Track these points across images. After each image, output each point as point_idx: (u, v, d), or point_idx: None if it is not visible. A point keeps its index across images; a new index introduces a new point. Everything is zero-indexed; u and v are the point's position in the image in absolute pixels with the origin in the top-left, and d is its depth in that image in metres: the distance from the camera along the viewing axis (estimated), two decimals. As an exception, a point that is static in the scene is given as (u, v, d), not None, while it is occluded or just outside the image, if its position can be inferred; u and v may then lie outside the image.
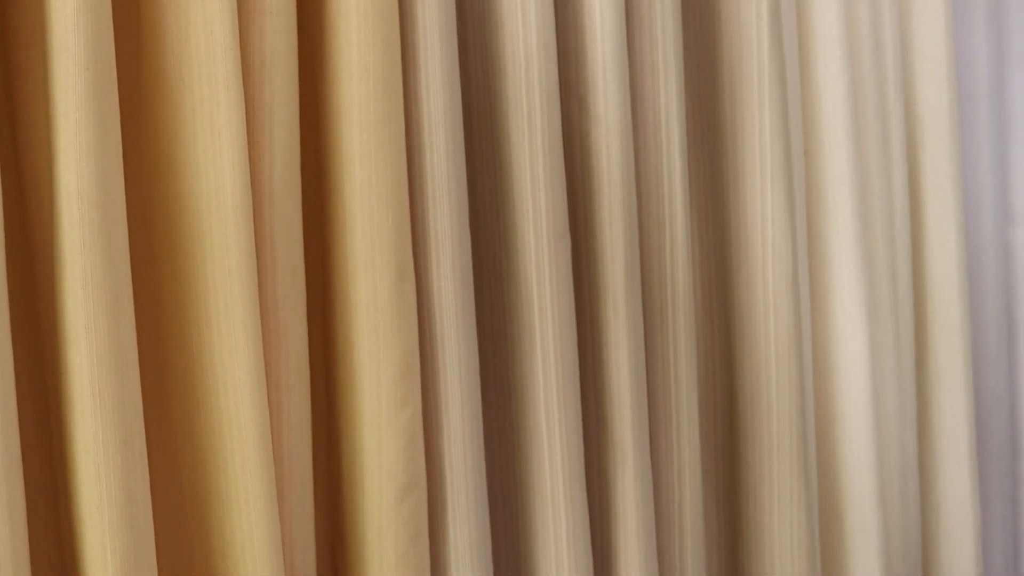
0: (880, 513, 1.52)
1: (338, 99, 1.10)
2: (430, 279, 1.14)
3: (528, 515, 1.22)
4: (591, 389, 1.27)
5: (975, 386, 1.71)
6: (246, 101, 1.03)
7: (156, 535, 1.00)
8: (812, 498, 1.43)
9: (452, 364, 1.14)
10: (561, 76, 1.24)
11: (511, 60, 1.20)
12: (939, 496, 1.67)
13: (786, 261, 1.40)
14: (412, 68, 1.14)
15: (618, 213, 1.26)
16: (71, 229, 0.92)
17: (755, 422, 1.40)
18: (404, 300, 1.10)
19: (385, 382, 1.09)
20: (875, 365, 1.54)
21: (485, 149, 1.23)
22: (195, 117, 1.00)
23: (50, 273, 0.96)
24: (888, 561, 1.54)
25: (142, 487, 0.96)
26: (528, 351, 1.21)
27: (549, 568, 1.21)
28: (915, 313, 1.65)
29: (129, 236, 0.96)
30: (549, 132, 1.20)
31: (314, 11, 1.11)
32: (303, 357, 1.09)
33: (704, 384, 1.42)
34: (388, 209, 1.10)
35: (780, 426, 1.40)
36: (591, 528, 1.25)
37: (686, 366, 1.35)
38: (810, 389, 1.50)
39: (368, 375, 1.10)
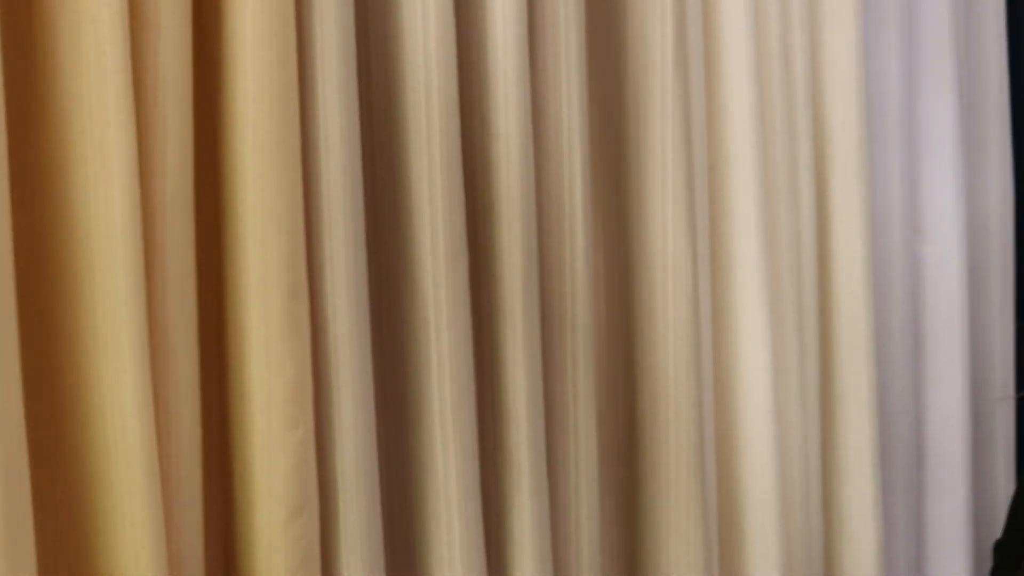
0: (780, 524, 1.53)
1: (233, 118, 1.09)
2: (324, 299, 1.14)
3: (422, 535, 1.22)
4: (488, 407, 1.28)
5: (880, 398, 1.73)
6: (138, 119, 1.02)
7: (39, 557, 0.99)
8: (710, 512, 1.45)
9: (345, 384, 1.14)
10: (462, 93, 1.24)
11: (411, 77, 1.20)
12: (842, 507, 1.69)
13: (686, 277, 1.41)
14: (309, 87, 1.13)
15: (517, 230, 1.26)
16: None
17: (653, 437, 1.42)
18: (297, 320, 1.10)
19: (276, 402, 1.09)
20: (778, 379, 1.56)
21: (383, 166, 1.22)
22: (84, 139, 0.99)
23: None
24: (788, 572, 1.56)
25: (23, 509, 0.95)
26: (424, 369, 1.21)
27: (446, 589, 1.22)
28: (821, 327, 1.67)
29: (16, 258, 0.95)
30: (448, 148, 1.20)
31: (209, 29, 1.10)
32: (193, 378, 1.08)
33: (603, 400, 1.42)
34: (282, 228, 1.09)
35: (678, 441, 1.41)
36: (487, 548, 1.25)
37: (584, 383, 1.35)
38: (709, 403, 1.51)
39: (259, 395, 1.09)
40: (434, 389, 1.21)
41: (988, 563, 1.63)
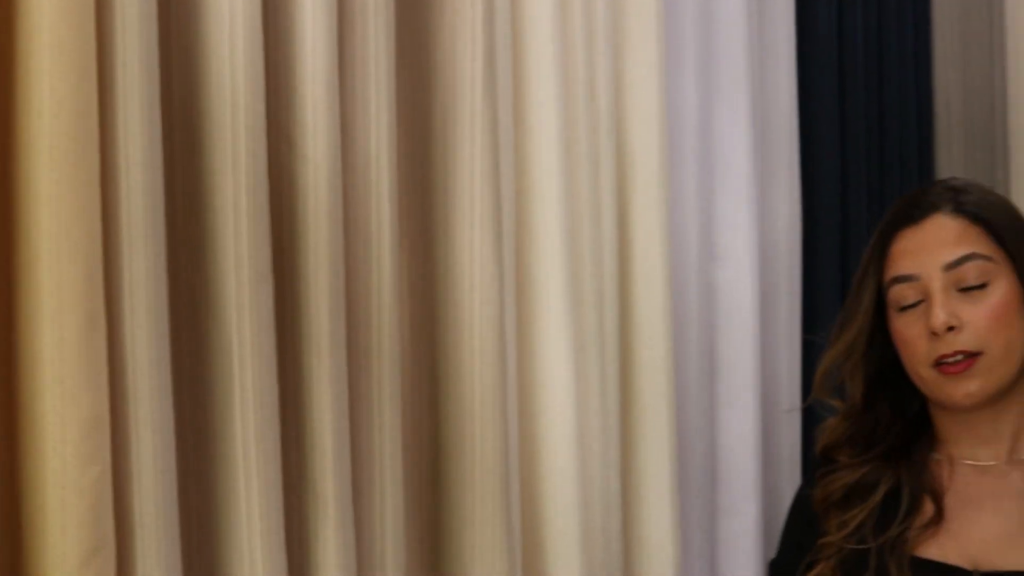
0: (583, 549, 1.54)
1: (28, 134, 1.03)
2: (122, 328, 1.08)
3: (225, 572, 1.18)
4: (292, 439, 1.24)
5: (676, 421, 1.76)
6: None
7: None
8: (514, 539, 1.44)
9: (144, 417, 1.09)
10: (270, 115, 1.20)
11: (217, 97, 1.15)
12: (641, 531, 1.71)
13: (493, 303, 1.40)
14: (109, 103, 1.08)
15: (324, 256, 1.23)
16: None
17: (459, 467, 1.40)
18: (93, 351, 1.04)
19: (71, 439, 1.03)
20: (580, 404, 1.56)
21: (186, 188, 1.18)
22: None
23: None
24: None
25: None
26: (226, 399, 1.17)
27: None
28: (621, 353, 1.69)
29: None
30: (255, 172, 1.16)
31: (3, 41, 1.04)
32: (-21, 412, 1.01)
33: (408, 428, 1.40)
34: (78, 253, 1.04)
35: (484, 471, 1.40)
36: (291, 582, 1.21)
37: (390, 413, 1.33)
38: (514, 430, 1.51)
39: (53, 431, 1.03)
40: (237, 420, 1.16)
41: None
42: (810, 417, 2.20)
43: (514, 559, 1.42)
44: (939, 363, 1.42)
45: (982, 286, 1.42)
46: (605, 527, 1.62)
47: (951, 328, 1.40)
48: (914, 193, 1.54)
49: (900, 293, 1.45)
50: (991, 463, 1.49)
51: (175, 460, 1.12)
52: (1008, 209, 1.50)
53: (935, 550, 1.44)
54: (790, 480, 2.10)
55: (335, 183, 1.23)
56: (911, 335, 1.44)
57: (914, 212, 1.47)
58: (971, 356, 1.41)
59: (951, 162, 2.69)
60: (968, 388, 1.41)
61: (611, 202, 1.64)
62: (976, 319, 1.41)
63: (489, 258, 1.39)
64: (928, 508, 1.46)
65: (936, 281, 1.42)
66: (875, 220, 2.38)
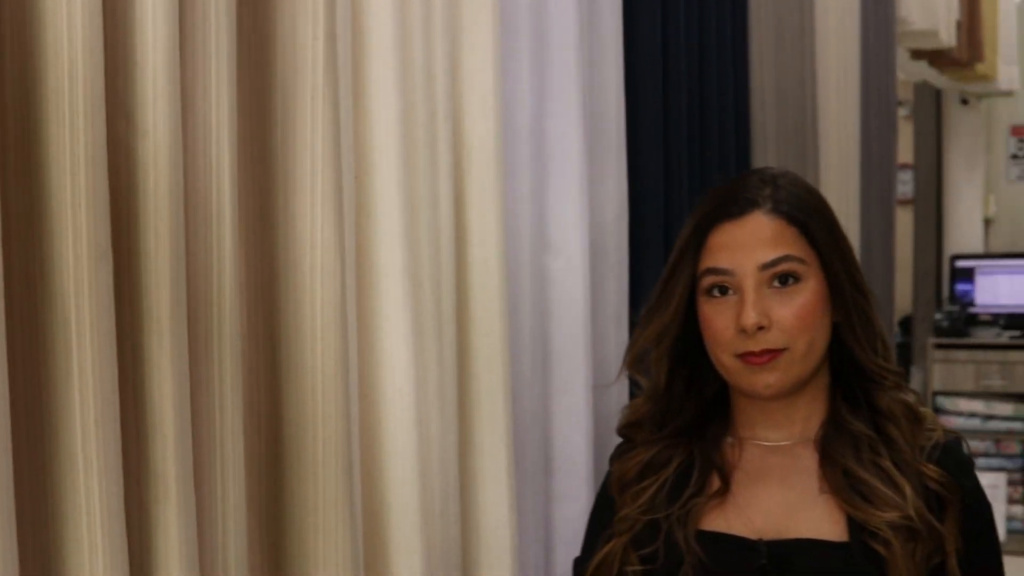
0: (423, 535, 1.54)
1: None
2: (-47, 304, 1.03)
3: (62, 558, 1.13)
4: (132, 420, 1.20)
5: (512, 408, 1.77)
6: None
7: None
8: (356, 525, 1.43)
9: (-23, 397, 1.04)
10: (108, 88, 1.17)
11: (53, 67, 1.11)
12: (479, 516, 1.72)
13: (335, 286, 1.39)
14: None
15: (165, 233, 1.20)
16: None
17: (300, 450, 1.38)
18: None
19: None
20: (420, 389, 1.56)
21: (19, 161, 1.13)
22: None
23: None
24: (430, 582, 1.56)
25: None
26: (64, 379, 1.12)
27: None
28: (458, 338, 1.69)
29: None
30: (93, 145, 1.12)
31: None
32: None
33: (250, 414, 1.37)
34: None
35: (326, 453, 1.38)
36: (131, 567, 1.17)
37: (231, 395, 1.30)
38: (356, 416, 1.50)
39: None
40: (75, 400, 1.12)
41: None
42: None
43: (357, 543, 1.41)
44: (743, 355, 1.47)
45: (793, 286, 1.48)
46: (444, 512, 1.62)
47: (761, 328, 1.45)
48: (732, 185, 1.58)
49: (713, 282, 1.49)
50: (781, 443, 1.56)
51: (9, 442, 1.08)
52: (820, 208, 1.56)
53: (721, 522, 1.50)
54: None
55: (176, 159, 1.20)
56: (719, 324, 1.49)
57: (733, 208, 1.52)
58: (776, 351, 1.47)
59: (766, 159, 2.79)
60: (768, 380, 1.47)
61: (448, 189, 1.65)
62: (784, 318, 1.46)
63: (330, 240, 1.38)
64: (716, 483, 1.52)
65: (750, 279, 1.47)
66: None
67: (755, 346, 1.46)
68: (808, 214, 1.52)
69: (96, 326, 1.13)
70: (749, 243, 1.48)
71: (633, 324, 2.21)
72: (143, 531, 1.21)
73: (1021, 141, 6.59)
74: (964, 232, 6.50)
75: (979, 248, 6.49)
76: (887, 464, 1.48)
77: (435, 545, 1.59)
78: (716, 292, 1.50)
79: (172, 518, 1.20)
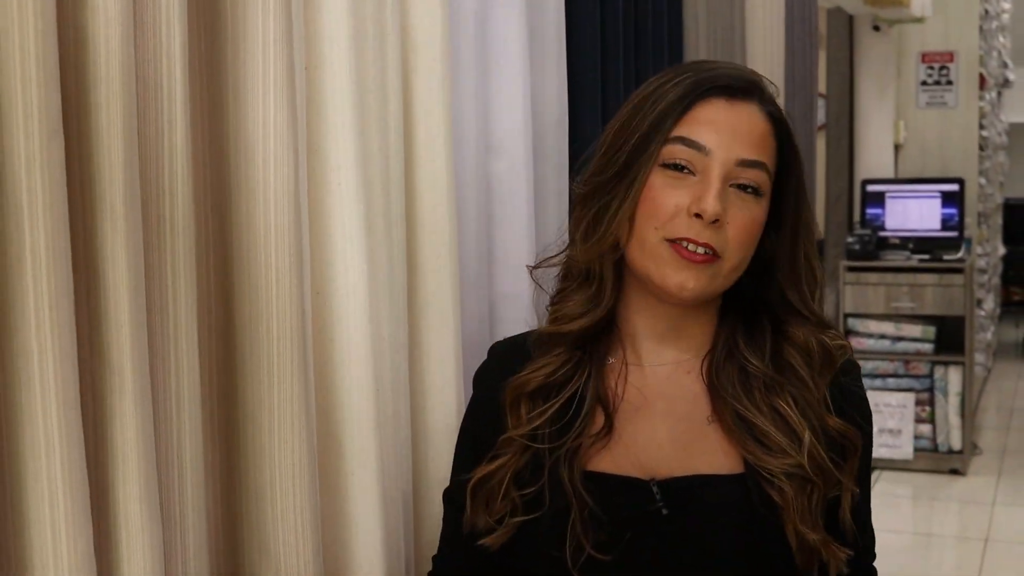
0: (376, 436, 1.51)
1: None
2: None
3: (18, 451, 1.09)
4: (85, 306, 1.16)
5: (460, 312, 1.75)
6: None
7: None
8: (311, 423, 1.39)
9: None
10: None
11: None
12: (427, 419, 1.70)
13: (289, 178, 1.35)
14: None
15: (117, 112, 1.15)
16: None
17: (255, 346, 1.35)
18: None
19: None
20: (372, 287, 1.52)
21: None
22: None
23: None
24: (384, 484, 1.54)
25: None
26: (16, 263, 1.08)
27: (42, 508, 1.09)
28: (408, 237, 1.66)
29: None
30: (43, 20, 1.07)
31: None
32: None
33: (202, 306, 1.33)
34: None
35: (281, 350, 1.35)
36: (87, 460, 1.13)
37: (185, 287, 1.26)
38: (309, 311, 1.46)
39: None
40: (28, 285, 1.07)
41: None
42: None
43: (311, 442, 1.38)
44: (675, 241, 1.34)
45: (750, 197, 1.36)
46: (396, 411, 1.60)
47: (715, 221, 1.33)
48: (721, 63, 1.44)
49: (678, 153, 1.34)
50: (666, 364, 1.43)
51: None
52: (792, 131, 1.44)
53: (608, 462, 1.39)
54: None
55: (127, 35, 1.15)
56: (667, 201, 1.34)
57: (735, 84, 1.38)
58: (713, 255, 1.34)
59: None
60: (687, 282, 1.34)
61: (397, 83, 1.60)
62: (736, 223, 1.35)
63: (283, 129, 1.34)
64: (600, 419, 1.40)
65: (723, 168, 1.34)
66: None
67: (698, 236, 1.32)
68: (787, 131, 1.41)
69: (50, 208, 1.08)
70: (738, 131, 1.35)
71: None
72: (99, 424, 1.17)
73: (931, 68, 6.66)
74: (875, 158, 6.58)
75: (889, 173, 6.57)
76: (784, 406, 1.37)
77: (388, 446, 1.57)
78: (673, 167, 1.34)
79: (128, 407, 1.16)
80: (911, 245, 6.09)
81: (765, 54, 3.37)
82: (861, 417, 1.44)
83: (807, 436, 1.35)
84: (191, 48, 1.28)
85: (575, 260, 1.45)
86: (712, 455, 1.38)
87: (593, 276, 1.43)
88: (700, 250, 1.33)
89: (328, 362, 1.48)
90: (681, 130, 1.35)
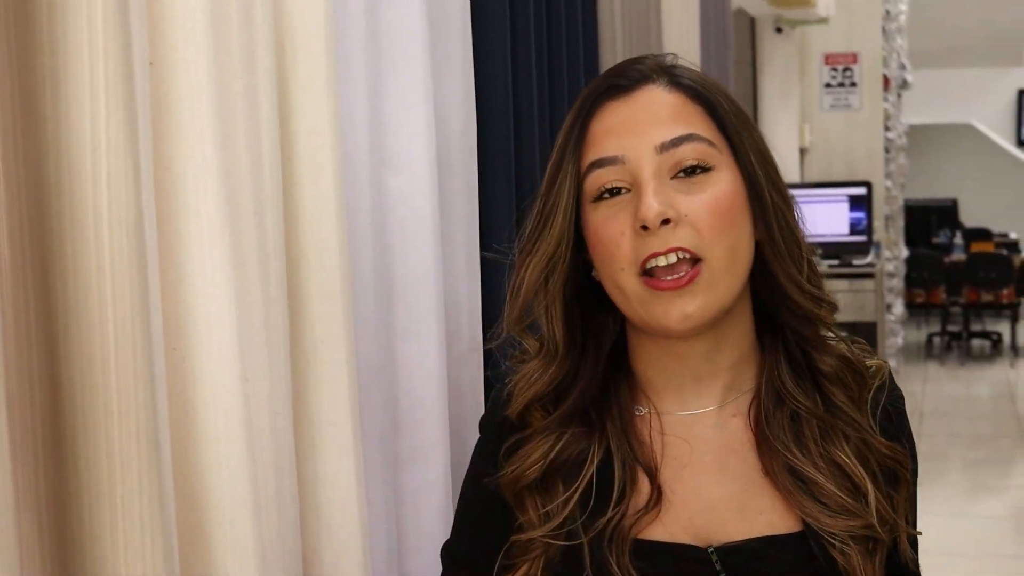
0: (254, 520, 1.20)
1: None
2: None
3: None
4: None
5: (355, 359, 1.44)
6: None
7: None
8: (168, 518, 1.08)
9: None
10: None
11: None
12: (320, 492, 1.39)
13: (128, 203, 1.04)
14: None
15: None
16: None
17: (89, 426, 1.03)
18: None
19: None
20: (243, 337, 1.22)
21: None
22: None
23: None
24: (264, 574, 1.23)
25: None
26: None
27: None
28: (288, 273, 1.35)
29: None
30: None
31: None
32: None
33: (19, 375, 1.01)
34: None
35: (124, 430, 1.03)
36: None
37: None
38: (162, 374, 1.14)
39: None
40: None
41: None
42: (493, 351, 1.94)
43: (170, 538, 1.07)
44: (649, 272, 1.15)
45: (702, 176, 1.17)
46: (279, 490, 1.28)
47: (666, 221, 1.14)
48: (618, 65, 1.27)
49: (600, 179, 1.18)
50: (707, 409, 1.26)
51: None
52: (725, 91, 1.25)
53: (659, 529, 1.21)
54: (475, 422, 1.84)
55: None
56: (611, 232, 1.17)
57: (620, 81, 1.21)
58: (692, 263, 1.15)
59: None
60: (686, 308, 1.16)
61: (269, 82, 1.30)
62: (695, 212, 1.15)
63: (120, 142, 1.03)
64: (644, 484, 1.22)
65: (648, 165, 1.16)
66: (545, 128, 2.16)
67: (660, 245, 1.14)
68: (712, 91, 1.22)
69: None
70: (642, 122, 1.19)
71: (486, 261, 1.91)
72: None
73: (834, 69, 6.53)
74: (780, 162, 6.38)
75: (795, 177, 6.43)
76: (841, 456, 1.23)
77: (269, 531, 1.26)
78: (606, 195, 1.18)
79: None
80: (819, 251, 5.93)
81: (681, 53, 3.13)
82: (907, 436, 1.31)
83: (871, 491, 1.22)
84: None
85: (508, 325, 1.28)
86: (769, 513, 1.23)
87: (543, 336, 1.25)
88: (675, 276, 1.15)
89: (188, 438, 1.17)
90: (589, 155, 1.21)
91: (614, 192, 1.18)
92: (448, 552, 1.37)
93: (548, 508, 1.22)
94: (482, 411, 1.84)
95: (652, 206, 1.13)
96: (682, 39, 3.14)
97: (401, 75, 1.61)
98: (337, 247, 1.39)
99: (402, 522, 1.63)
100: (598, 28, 2.45)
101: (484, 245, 1.89)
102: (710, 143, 1.18)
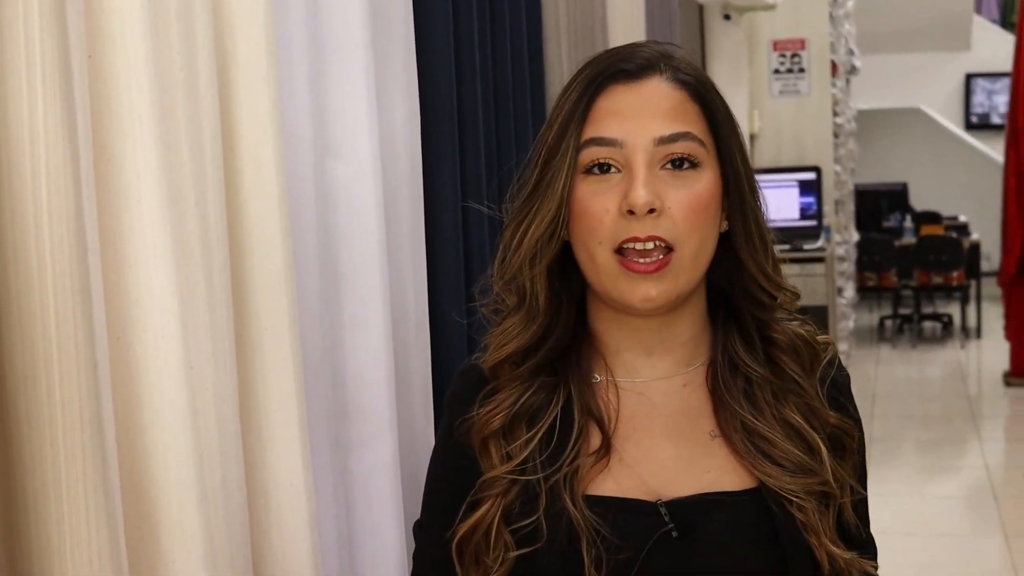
0: (200, 512, 1.21)
1: None
2: None
3: None
4: None
5: (301, 344, 1.45)
6: None
7: None
8: (114, 506, 1.09)
9: None
10: None
11: None
12: (268, 479, 1.40)
13: (68, 194, 1.04)
14: None
15: None
16: None
17: (33, 416, 1.03)
18: None
19: None
20: (186, 327, 1.23)
21: None
22: None
23: None
24: (213, 563, 1.24)
25: None
26: None
27: None
28: (232, 262, 1.36)
29: None
30: None
31: None
32: None
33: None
34: None
35: (68, 419, 1.04)
36: None
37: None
38: (105, 363, 1.14)
39: None
40: None
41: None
42: (440, 336, 1.96)
43: (116, 531, 1.08)
44: (624, 250, 1.23)
45: (688, 172, 1.25)
46: (225, 476, 1.29)
47: (651, 211, 1.22)
48: (623, 47, 1.33)
49: (595, 154, 1.26)
50: (658, 378, 1.33)
51: None
52: (718, 91, 1.33)
53: (611, 485, 1.28)
54: (423, 407, 1.85)
55: None
56: (596, 208, 1.25)
57: (629, 67, 1.28)
58: (665, 251, 1.23)
59: (560, 58, 2.53)
60: (649, 292, 1.24)
61: (209, 70, 1.30)
62: (677, 205, 1.24)
63: (58, 133, 1.03)
64: (596, 438, 1.29)
65: (642, 154, 1.24)
66: (489, 114, 2.17)
67: (641, 231, 1.22)
68: (710, 92, 1.29)
69: None
70: (645, 111, 1.25)
71: (431, 244, 1.92)
72: None
73: (783, 56, 6.57)
74: (731, 148, 6.46)
75: (746, 164, 6.46)
76: (794, 416, 1.30)
77: (216, 518, 1.27)
78: (596, 170, 1.26)
79: None
80: (778, 239, 5.97)
81: (627, 41, 3.14)
82: (853, 408, 1.38)
83: (824, 449, 1.29)
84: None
85: (498, 283, 1.34)
86: (720, 472, 1.29)
87: (525, 294, 1.32)
88: (648, 260, 1.24)
89: (133, 427, 1.18)
90: (589, 131, 1.27)
91: (604, 168, 1.25)
92: (420, 528, 1.41)
93: (510, 449, 1.29)
94: (430, 394, 1.86)
95: (642, 195, 1.21)
96: (627, 27, 3.16)
97: (343, 63, 1.62)
98: (280, 235, 1.40)
99: (352, 506, 1.64)
100: (541, 12, 2.46)
101: (429, 231, 1.91)
102: (701, 142, 1.26)
